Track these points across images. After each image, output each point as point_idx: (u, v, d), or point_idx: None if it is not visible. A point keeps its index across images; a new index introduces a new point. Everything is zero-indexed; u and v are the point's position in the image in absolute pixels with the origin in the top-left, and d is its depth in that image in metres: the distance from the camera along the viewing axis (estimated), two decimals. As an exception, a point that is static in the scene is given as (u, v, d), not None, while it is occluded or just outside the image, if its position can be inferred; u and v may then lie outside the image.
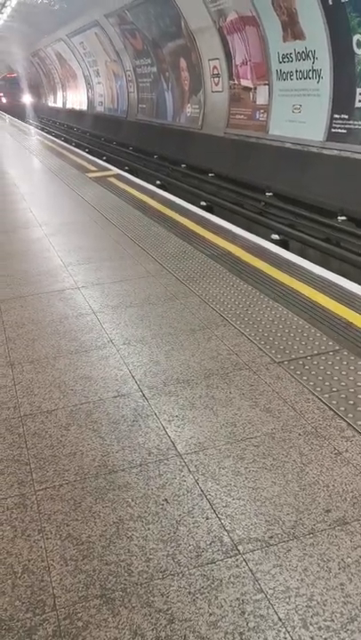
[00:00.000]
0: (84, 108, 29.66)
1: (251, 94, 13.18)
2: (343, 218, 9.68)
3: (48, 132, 27.27)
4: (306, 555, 2.09)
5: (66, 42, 27.22)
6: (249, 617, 1.87)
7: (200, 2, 13.33)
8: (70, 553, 2.17)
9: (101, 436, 2.85)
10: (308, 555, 2.09)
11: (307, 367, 3.37)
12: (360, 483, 2.43)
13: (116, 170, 11.19)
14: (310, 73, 10.75)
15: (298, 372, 3.32)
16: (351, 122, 9.94)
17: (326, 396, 3.07)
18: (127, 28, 19.07)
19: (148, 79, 20.09)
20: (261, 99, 12.66)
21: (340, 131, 10.24)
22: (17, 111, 45.19)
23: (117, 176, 10.46)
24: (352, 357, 3.46)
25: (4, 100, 53.70)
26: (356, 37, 9.17)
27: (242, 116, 13.69)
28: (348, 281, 4.67)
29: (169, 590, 1.98)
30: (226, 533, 2.21)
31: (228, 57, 13.65)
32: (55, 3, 21.79)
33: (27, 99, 48.08)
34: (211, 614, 1.89)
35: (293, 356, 3.50)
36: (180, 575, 2.04)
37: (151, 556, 2.13)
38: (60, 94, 36.40)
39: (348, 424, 2.82)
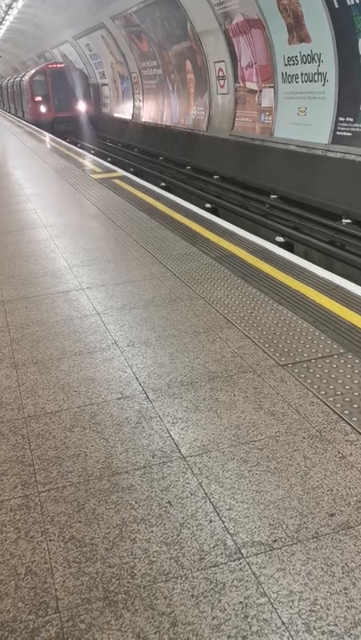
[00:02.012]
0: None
1: (256, 97, 13.19)
2: (348, 221, 9.67)
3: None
4: (310, 559, 2.08)
5: (72, 44, 27.29)
6: (252, 621, 1.86)
7: (206, 4, 13.35)
8: (73, 555, 2.17)
9: (105, 438, 2.85)
10: (312, 559, 2.08)
11: (311, 370, 3.36)
12: (364, 487, 2.42)
13: (121, 171, 11.21)
14: (316, 76, 10.75)
15: (302, 375, 3.31)
16: (356, 125, 9.94)
17: (331, 399, 3.06)
18: (133, 30, 19.12)
19: (153, 81, 20.12)
20: (267, 101, 12.67)
21: (345, 134, 10.24)
22: (72, 130, 27.48)
23: (122, 177, 10.47)
24: (357, 361, 3.45)
25: (43, 110, 27.98)
26: (362, 40, 9.17)
27: (247, 119, 13.69)
28: (353, 284, 4.66)
29: (172, 593, 1.98)
30: (229, 536, 2.20)
31: (234, 59, 13.67)
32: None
33: (82, 106, 28.19)
34: (214, 618, 1.88)
35: (298, 359, 3.50)
36: (184, 578, 2.04)
37: (154, 559, 2.12)
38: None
39: (353, 428, 2.82)
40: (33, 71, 29.32)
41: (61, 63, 29.39)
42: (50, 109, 27.82)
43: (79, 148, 18.40)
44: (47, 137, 20.06)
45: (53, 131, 24.88)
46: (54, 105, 27.77)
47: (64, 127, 27.04)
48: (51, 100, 27.79)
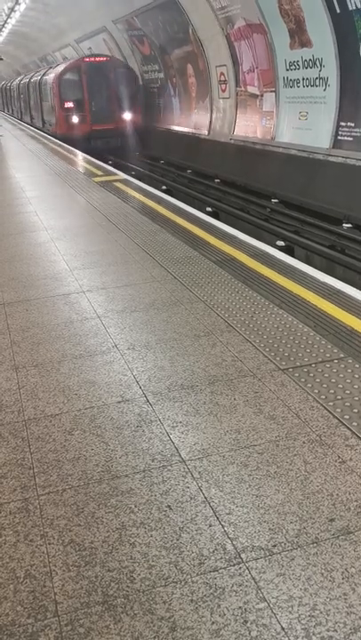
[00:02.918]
0: None
1: (257, 101, 13.22)
2: (349, 225, 9.68)
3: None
4: (309, 564, 2.08)
5: (74, 47, 27.35)
6: (251, 626, 1.86)
7: (208, 9, 13.39)
8: (73, 559, 2.16)
9: (105, 442, 2.85)
10: (312, 564, 2.08)
11: (311, 375, 3.36)
12: (364, 492, 2.42)
13: (122, 174, 11.22)
14: (317, 80, 10.78)
15: (302, 380, 3.31)
16: (357, 129, 9.95)
17: (331, 404, 3.06)
18: (135, 33, 19.17)
19: (155, 85, 20.16)
20: (268, 105, 12.69)
21: (346, 138, 10.25)
22: (115, 148, 20.23)
23: (123, 181, 10.48)
24: (357, 365, 3.45)
25: (75, 120, 20.42)
26: (363, 45, 9.19)
27: (248, 123, 13.72)
28: (354, 288, 4.66)
29: (171, 598, 1.98)
30: (229, 541, 2.20)
31: (236, 64, 13.70)
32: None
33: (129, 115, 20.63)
34: (213, 623, 1.88)
35: (298, 364, 3.49)
36: (183, 583, 2.03)
37: (154, 563, 2.12)
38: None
39: (353, 432, 2.81)
40: (62, 67, 21.04)
41: (103, 56, 20.63)
42: (85, 120, 19.86)
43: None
44: (48, 139, 20.09)
45: (89, 148, 18.18)
46: (92, 113, 19.93)
47: (104, 144, 19.72)
48: (87, 106, 19.81)
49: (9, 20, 29.89)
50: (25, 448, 2.84)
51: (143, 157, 20.28)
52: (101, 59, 20.43)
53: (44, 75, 24.56)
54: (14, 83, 38.18)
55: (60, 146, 17.60)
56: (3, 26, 33.09)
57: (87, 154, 15.54)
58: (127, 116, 20.30)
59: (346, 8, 9.11)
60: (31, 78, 29.11)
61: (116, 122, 20.14)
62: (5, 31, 34.50)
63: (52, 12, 24.18)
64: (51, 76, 21.81)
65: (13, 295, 4.97)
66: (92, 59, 20.40)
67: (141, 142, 20.49)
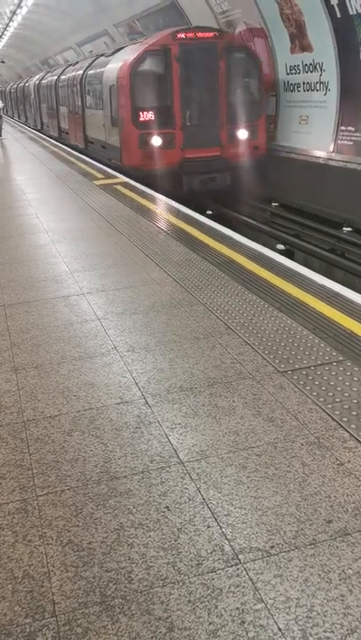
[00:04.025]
0: None
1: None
2: (349, 229, 9.70)
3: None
4: (307, 565, 2.09)
5: (75, 50, 27.44)
6: (249, 627, 1.86)
7: (209, 13, 13.44)
8: (71, 559, 2.17)
9: (104, 443, 2.85)
10: (309, 565, 2.09)
11: (310, 377, 3.37)
12: (362, 494, 2.43)
13: (122, 177, 11.24)
14: (318, 85, 10.81)
15: (301, 382, 3.32)
16: (358, 134, 9.98)
17: (329, 406, 3.07)
18: (136, 37, 19.22)
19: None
20: (269, 109, 12.71)
21: (346, 142, 10.28)
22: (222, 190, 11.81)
23: (124, 184, 10.50)
24: (356, 368, 3.46)
25: (157, 142, 11.29)
26: (364, 50, 9.21)
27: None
28: (353, 291, 4.67)
29: (169, 598, 1.98)
30: (227, 542, 2.20)
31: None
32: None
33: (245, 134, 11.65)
34: (210, 623, 1.88)
35: (297, 366, 3.50)
36: (181, 583, 2.04)
37: (152, 564, 2.12)
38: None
39: (351, 435, 2.82)
40: (134, 51, 11.97)
41: (207, 30, 11.83)
42: (173, 142, 11.48)
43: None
44: (49, 142, 20.12)
45: (179, 187, 11.31)
46: (185, 131, 11.52)
47: (205, 184, 11.64)
48: (177, 119, 11.46)
49: (11, 24, 29.99)
50: (24, 449, 2.85)
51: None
52: (206, 34, 11.39)
53: (90, 67, 15.82)
54: (31, 82, 29.07)
55: (60, 149, 17.63)
56: (5, 29, 33.21)
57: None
58: (243, 134, 11.63)
59: (346, 13, 9.15)
60: (61, 74, 20.24)
61: (224, 146, 11.59)
62: (7, 34, 34.61)
63: (53, 16, 24.27)
64: (110, 69, 12.73)
65: (13, 297, 4.98)
66: (190, 34, 11.33)
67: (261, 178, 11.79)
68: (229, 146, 11.64)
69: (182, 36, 11.36)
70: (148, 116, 11.34)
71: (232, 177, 11.65)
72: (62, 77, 20.05)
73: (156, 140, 11.30)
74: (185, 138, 11.43)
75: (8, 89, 44.58)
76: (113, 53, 13.93)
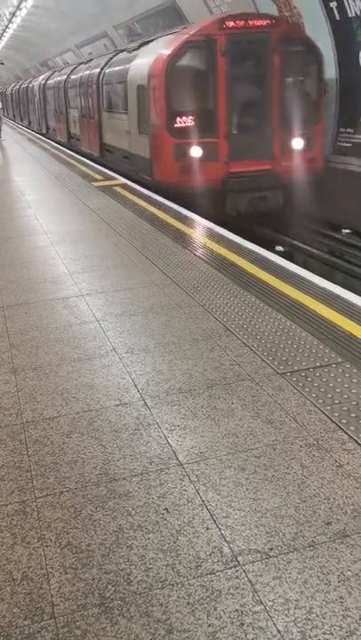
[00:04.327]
0: None
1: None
2: (347, 231, 9.70)
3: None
4: (306, 567, 2.09)
5: (75, 52, 27.49)
6: (248, 629, 1.86)
7: (208, 14, 13.45)
8: (70, 561, 2.17)
9: (103, 444, 2.85)
10: (308, 567, 2.09)
11: (309, 379, 3.37)
12: (361, 496, 2.43)
13: (122, 179, 11.24)
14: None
15: (300, 384, 3.32)
16: (357, 136, 9.99)
17: (328, 408, 3.07)
18: (136, 39, 19.26)
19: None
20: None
21: (345, 144, 10.29)
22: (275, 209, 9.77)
23: (123, 185, 10.51)
24: (355, 370, 3.46)
25: (196, 153, 9.35)
26: (363, 52, 9.23)
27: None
28: (352, 293, 4.68)
29: (168, 600, 1.98)
30: (226, 544, 2.20)
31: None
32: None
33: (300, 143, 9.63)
34: (209, 625, 1.88)
35: (296, 368, 3.51)
36: (180, 585, 2.04)
37: (151, 566, 2.12)
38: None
39: (350, 437, 2.82)
40: (170, 43, 9.83)
41: (261, 17, 9.76)
42: (216, 154, 9.55)
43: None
44: (49, 144, 20.12)
45: (221, 208, 9.52)
46: (231, 141, 9.61)
47: (253, 203, 9.73)
48: (222, 126, 9.53)
49: (10, 25, 30.04)
50: (23, 451, 2.85)
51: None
52: (258, 22, 9.37)
53: (108, 64, 13.75)
54: (35, 83, 27.04)
55: (60, 150, 17.64)
56: (4, 31, 33.25)
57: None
58: (298, 144, 9.72)
59: (345, 15, 9.17)
60: (72, 74, 18.22)
61: (276, 158, 9.61)
62: (7, 36, 34.66)
63: (52, 18, 24.30)
64: (138, 66, 10.72)
65: (13, 298, 4.98)
66: (240, 22, 9.29)
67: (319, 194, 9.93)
68: (282, 158, 9.58)
69: (231, 24, 9.15)
70: (186, 121, 9.35)
71: (284, 196, 9.65)
72: (73, 77, 18.03)
73: (196, 151, 9.33)
74: (230, 148, 9.44)
75: (9, 90, 42.54)
76: (138, 47, 11.72)
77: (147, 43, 11.57)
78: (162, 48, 9.80)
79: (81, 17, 21.56)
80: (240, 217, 9.38)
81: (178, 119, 9.32)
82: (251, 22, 9.29)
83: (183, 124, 9.32)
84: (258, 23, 9.32)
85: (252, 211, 9.55)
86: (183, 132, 9.30)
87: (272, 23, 9.38)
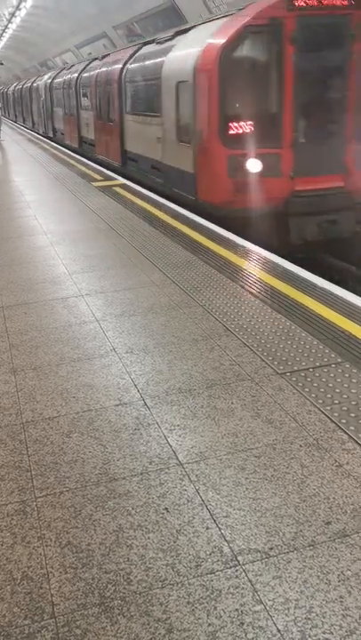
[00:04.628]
0: None
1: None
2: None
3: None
4: (306, 566, 2.09)
5: (74, 52, 27.49)
6: (248, 628, 1.87)
7: (208, 14, 13.46)
8: (70, 560, 2.17)
9: (103, 444, 2.85)
10: (308, 567, 2.09)
11: (309, 379, 3.38)
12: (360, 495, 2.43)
13: (121, 179, 11.25)
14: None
15: (300, 384, 3.32)
16: None
17: (328, 408, 3.07)
18: (135, 39, 19.27)
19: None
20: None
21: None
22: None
23: (123, 185, 10.51)
24: (354, 370, 3.46)
25: (253, 168, 7.39)
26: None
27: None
28: (352, 294, 4.68)
29: (168, 600, 1.98)
30: (226, 544, 2.20)
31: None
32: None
33: None
34: (209, 625, 1.88)
35: (296, 368, 3.51)
36: (180, 585, 2.04)
37: (151, 565, 2.12)
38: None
39: (350, 436, 2.83)
40: (211, 25, 8.36)
41: None
42: (278, 168, 7.53)
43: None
44: (48, 144, 20.11)
45: (284, 234, 7.57)
46: (297, 151, 7.55)
47: (322, 228, 7.61)
48: (287, 133, 7.50)
49: (9, 25, 30.04)
50: (23, 450, 2.85)
51: None
52: (335, 1, 7.46)
53: (131, 60, 11.93)
54: (40, 82, 24.99)
55: (59, 151, 17.64)
56: (3, 31, 33.26)
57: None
58: None
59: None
60: (83, 72, 16.62)
61: (350, 172, 7.88)
62: (6, 36, 34.66)
63: (52, 18, 24.30)
64: (178, 59, 8.92)
65: (12, 298, 4.98)
66: (313, 1, 7.40)
67: None
68: (356, 172, 7.78)
69: (302, 2, 7.25)
70: (243, 127, 7.48)
71: (357, 218, 7.84)
72: (86, 75, 16.05)
73: (254, 165, 7.42)
74: (296, 161, 7.55)
75: (11, 89, 40.50)
76: (173, 37, 9.77)
77: (184, 31, 9.57)
78: (211, 36, 7.82)
79: (80, 17, 21.56)
80: (306, 245, 7.63)
81: (233, 124, 7.47)
82: (326, 1, 7.28)
83: (240, 131, 7.47)
84: (335, 2, 7.32)
85: (320, 238, 7.71)
86: (239, 140, 7.45)
87: (352, 3, 7.26)
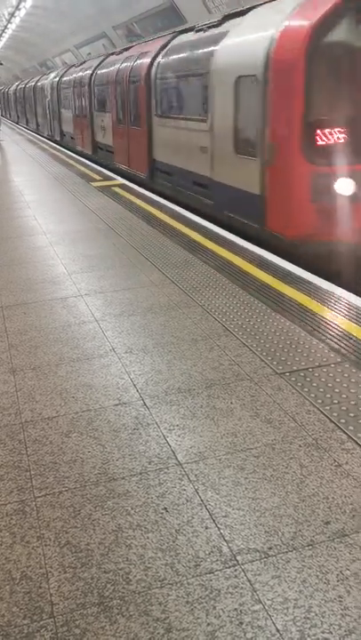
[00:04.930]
0: None
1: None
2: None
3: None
4: (305, 566, 2.09)
5: (74, 52, 27.49)
6: (247, 627, 1.87)
7: (207, 15, 13.47)
8: (69, 560, 2.17)
9: (102, 444, 2.85)
10: (307, 566, 2.09)
11: (308, 379, 3.38)
12: (360, 495, 2.43)
13: (121, 180, 11.25)
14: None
15: (299, 384, 3.32)
16: None
17: (327, 408, 3.07)
18: (135, 39, 19.27)
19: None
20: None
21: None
22: None
23: (122, 186, 10.51)
24: (353, 370, 3.46)
25: (343, 190, 5.56)
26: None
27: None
28: (352, 294, 4.68)
29: (167, 599, 1.98)
30: (225, 543, 2.20)
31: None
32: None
33: None
34: (208, 624, 1.89)
35: (295, 368, 3.51)
36: (179, 584, 2.04)
37: (150, 565, 2.13)
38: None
39: (349, 436, 2.83)
40: (278, 5, 6.48)
41: None
42: None
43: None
44: (48, 144, 20.09)
45: None
46: None
47: None
48: None
49: (9, 25, 30.03)
50: (22, 450, 2.85)
51: None
52: None
53: (163, 53, 10.14)
54: (46, 81, 22.87)
55: (59, 151, 17.64)
56: (3, 31, 33.25)
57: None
58: None
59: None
60: (98, 68, 14.85)
61: None
62: (5, 36, 34.65)
63: (51, 18, 24.30)
64: (236, 48, 7.02)
65: (12, 298, 4.98)
66: None
67: None
68: None
69: None
70: (334, 137, 5.76)
71: None
72: (102, 72, 14.15)
73: (347, 186, 5.74)
74: None
75: (13, 89, 38.37)
76: (221, 22, 7.96)
77: (238, 14, 7.62)
78: (287, 16, 5.99)
79: (80, 17, 21.56)
80: None
81: (321, 133, 5.68)
82: None
83: (329, 142, 5.71)
84: None
85: None
86: (328, 153, 5.69)
87: None
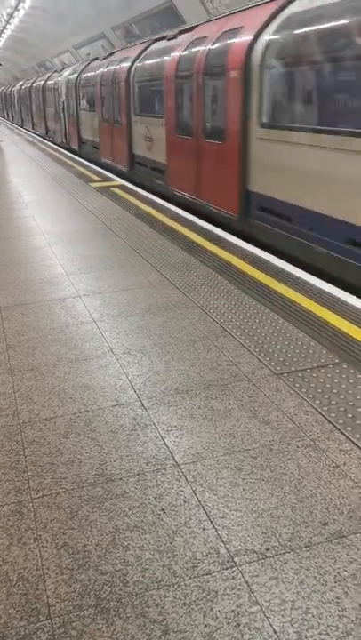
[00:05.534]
0: None
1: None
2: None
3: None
4: (302, 567, 2.08)
5: (72, 53, 27.50)
6: (244, 629, 1.86)
7: (206, 16, 13.47)
8: (66, 562, 2.16)
9: (100, 445, 2.85)
10: (305, 567, 2.08)
11: (306, 380, 3.37)
12: (357, 496, 2.43)
13: (119, 180, 11.25)
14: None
15: (297, 385, 3.32)
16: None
17: (325, 408, 3.07)
18: (133, 40, 19.27)
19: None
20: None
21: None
22: None
23: (121, 186, 10.51)
24: (352, 371, 3.46)
25: None
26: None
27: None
28: (349, 294, 4.68)
29: (164, 601, 1.98)
30: (222, 544, 2.20)
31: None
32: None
33: None
34: (206, 626, 1.88)
35: (293, 369, 3.51)
36: (176, 586, 2.03)
37: (147, 567, 2.12)
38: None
39: (347, 437, 2.82)
40: None
41: None
42: None
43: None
44: (46, 144, 20.08)
45: None
46: None
47: None
48: None
49: (8, 26, 30.02)
50: (19, 451, 2.84)
51: None
52: None
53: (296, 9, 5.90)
54: (60, 79, 19.86)
55: (57, 151, 17.62)
56: (2, 32, 33.24)
57: None
58: None
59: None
60: (138, 60, 11.41)
61: None
62: (4, 37, 34.64)
63: (50, 19, 24.30)
64: None
65: (10, 299, 4.97)
66: None
67: None
68: None
69: None
70: None
71: None
72: (143, 65, 10.99)
73: None
74: None
75: (16, 89, 35.32)
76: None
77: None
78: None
79: (79, 18, 21.56)
80: None
81: None
82: None
83: None
84: None
85: None
86: None
87: None
